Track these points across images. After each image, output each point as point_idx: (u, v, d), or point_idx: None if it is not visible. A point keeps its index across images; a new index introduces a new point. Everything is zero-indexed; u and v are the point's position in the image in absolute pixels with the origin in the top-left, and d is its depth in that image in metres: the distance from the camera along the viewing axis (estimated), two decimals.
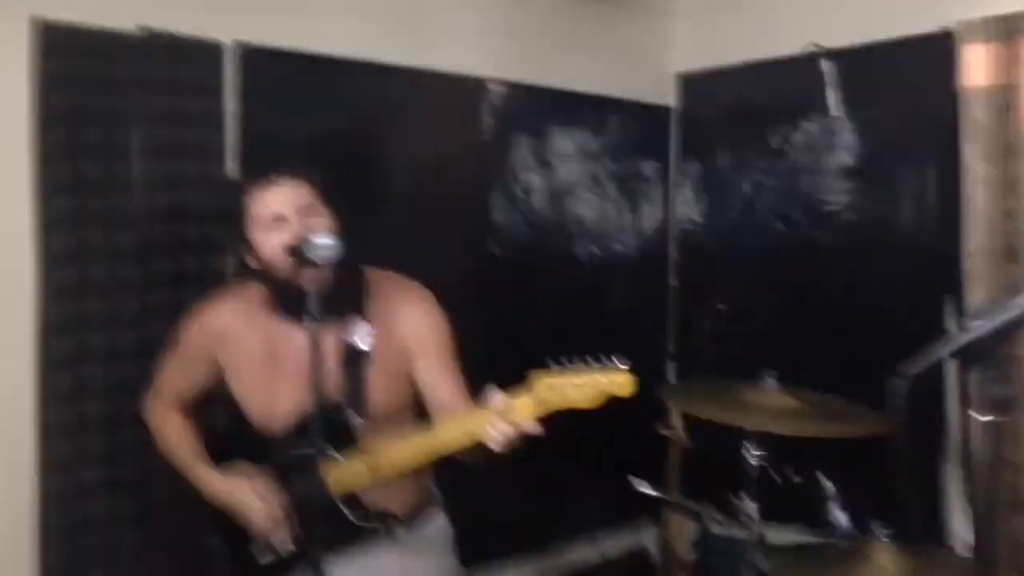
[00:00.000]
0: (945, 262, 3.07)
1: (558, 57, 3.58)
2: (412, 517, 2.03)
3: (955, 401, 3.09)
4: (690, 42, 3.91)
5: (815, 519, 2.61)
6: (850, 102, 3.35)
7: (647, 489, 2.23)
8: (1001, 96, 2.95)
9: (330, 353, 1.85)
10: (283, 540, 1.93)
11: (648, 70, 3.89)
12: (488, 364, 3.20)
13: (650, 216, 3.94)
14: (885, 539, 2.25)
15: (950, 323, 3.10)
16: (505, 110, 3.43)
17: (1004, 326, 0.84)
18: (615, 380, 1.63)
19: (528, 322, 3.41)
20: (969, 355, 0.85)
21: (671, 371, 3.89)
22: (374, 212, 2.93)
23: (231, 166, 2.71)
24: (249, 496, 1.93)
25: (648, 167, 3.91)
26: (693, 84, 3.90)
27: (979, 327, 0.84)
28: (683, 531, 3.45)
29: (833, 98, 2.79)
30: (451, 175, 3.31)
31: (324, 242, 1.68)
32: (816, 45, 3.07)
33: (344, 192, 2.53)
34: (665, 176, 3.97)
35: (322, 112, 2.90)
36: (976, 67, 2.98)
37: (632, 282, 3.86)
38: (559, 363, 1.67)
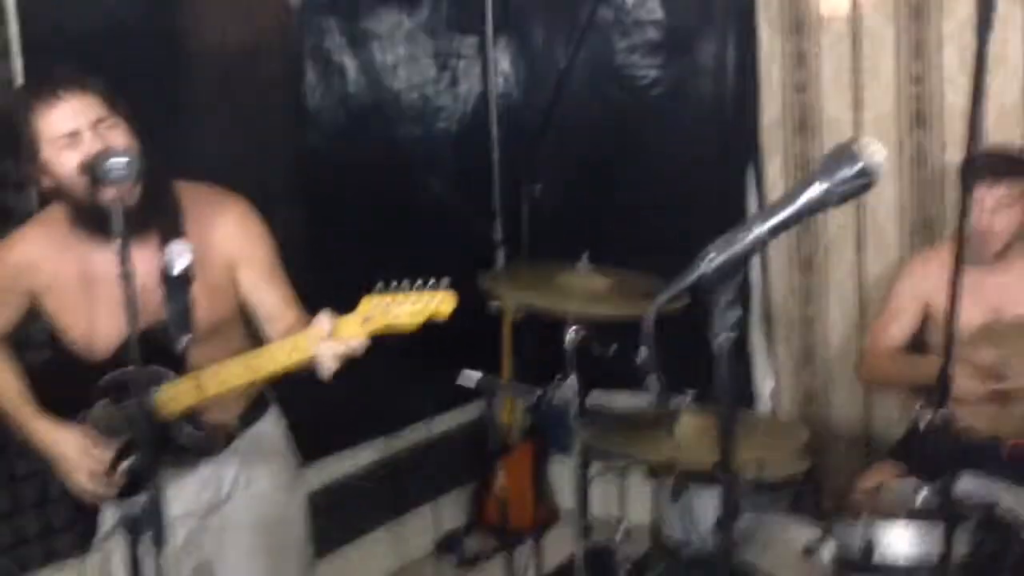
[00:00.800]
0: (745, 134, 3.24)
1: None
2: (245, 417, 2.06)
3: (759, 268, 3.33)
4: None
5: (637, 387, 2.80)
6: None
7: (475, 380, 2.32)
8: None
9: (147, 273, 1.81)
10: (102, 494, 1.92)
11: None
12: (313, 264, 3.21)
13: (470, 94, 3.92)
14: (688, 403, 2.45)
15: (751, 199, 3.30)
16: None
17: (737, 257, 0.93)
18: (437, 299, 1.69)
19: (352, 215, 3.37)
20: (705, 287, 0.94)
21: (501, 256, 3.96)
22: (178, 114, 2.81)
23: (16, 66, 2.51)
24: (72, 450, 1.91)
25: (465, 43, 3.87)
26: None
27: (714, 260, 0.93)
28: (517, 402, 3.64)
29: None
30: (258, 64, 3.16)
31: (117, 159, 1.62)
32: None
33: (142, 96, 2.40)
34: (483, 52, 3.94)
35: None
36: None
37: (456, 165, 3.86)
38: (387, 285, 1.71)
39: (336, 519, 3.47)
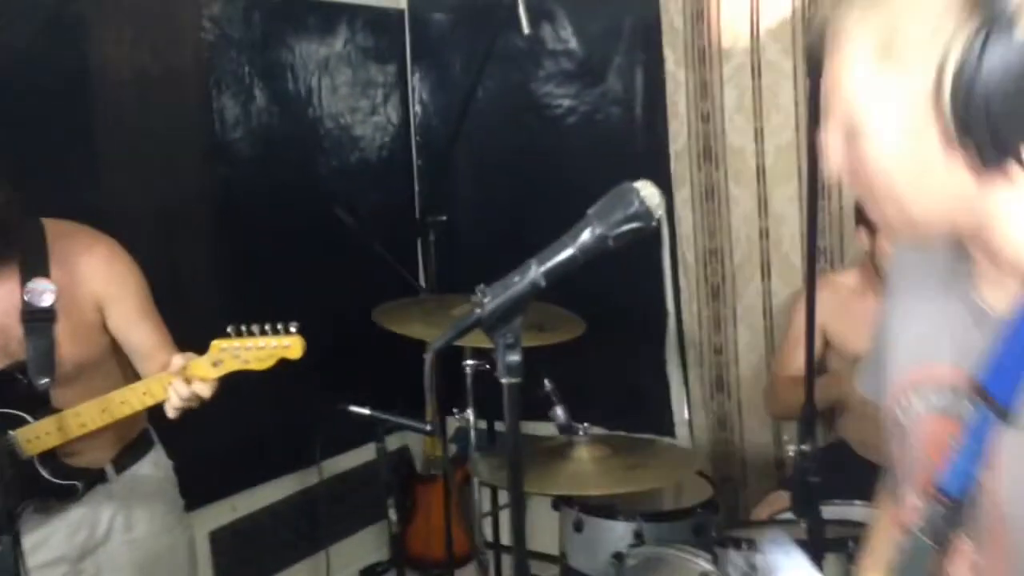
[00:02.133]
0: (656, 163, 3.27)
1: None
2: (123, 458, 2.05)
3: (671, 294, 3.35)
4: None
5: (542, 417, 2.80)
6: (566, 7, 3.44)
7: (365, 411, 2.31)
8: (694, 4, 3.11)
9: (6, 311, 1.80)
10: None
11: None
12: (221, 293, 3.17)
13: (389, 123, 3.93)
14: (584, 432, 2.46)
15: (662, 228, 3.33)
16: (223, 20, 3.28)
17: (512, 301, 0.93)
18: (286, 344, 1.72)
19: (265, 245, 3.35)
20: (486, 327, 0.94)
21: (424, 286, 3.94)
22: (85, 146, 2.78)
23: None
24: None
25: (383, 71, 3.88)
26: None
27: (489, 302, 0.93)
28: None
29: (523, 16, 2.85)
30: (164, 96, 3.15)
31: None
32: None
33: (12, 126, 2.36)
34: (402, 81, 3.95)
35: None
36: None
37: (377, 194, 3.86)
38: (238, 329, 1.73)
39: (255, 553, 3.44)
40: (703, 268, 3.24)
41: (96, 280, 1.92)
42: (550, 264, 0.98)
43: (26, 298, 1.83)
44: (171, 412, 1.78)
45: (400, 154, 3.96)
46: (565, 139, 3.54)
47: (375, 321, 2.63)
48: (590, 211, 0.99)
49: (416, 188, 4.00)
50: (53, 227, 1.93)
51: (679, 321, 3.35)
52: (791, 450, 1.75)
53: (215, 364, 1.74)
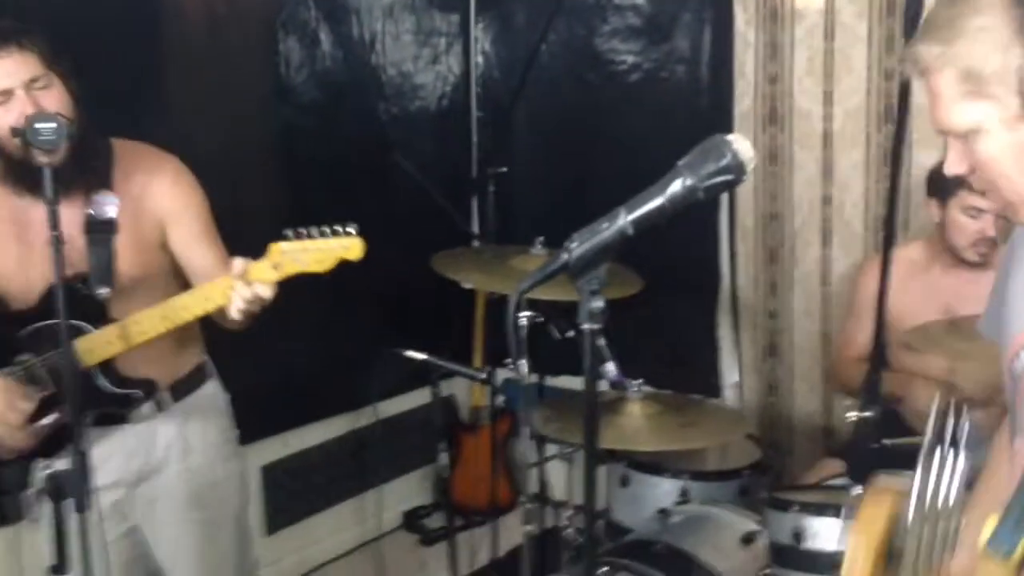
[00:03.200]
0: (719, 124, 3.23)
1: None
2: (181, 386, 2.09)
3: (726, 256, 3.33)
4: None
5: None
6: None
7: (421, 356, 2.34)
8: None
9: (71, 223, 1.83)
10: (23, 448, 1.91)
11: None
12: (278, 232, 3.22)
13: (450, 73, 3.92)
14: (637, 388, 2.47)
15: None
16: None
17: (599, 247, 0.94)
18: (345, 244, 1.72)
19: (325, 189, 3.38)
20: (568, 273, 0.95)
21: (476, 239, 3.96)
22: (151, 79, 2.82)
23: None
24: None
25: (447, 21, 3.86)
26: None
27: (575, 250, 0.94)
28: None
29: None
30: (232, 33, 3.17)
31: (47, 126, 1.65)
32: None
33: (91, 57, 2.40)
34: (464, 30, 3.93)
35: None
36: None
37: (434, 144, 3.86)
38: (297, 231, 1.74)
39: (302, 491, 3.51)
40: (762, 232, 3.21)
41: (160, 198, 1.97)
42: (639, 213, 0.99)
43: (90, 210, 1.88)
44: (235, 314, 1.78)
45: (460, 105, 3.95)
46: (628, 96, 3.50)
47: (432, 268, 2.65)
48: (681, 162, 0.99)
49: (475, 140, 3.99)
50: (121, 146, 1.97)
51: (733, 284, 3.33)
52: (852, 415, 1.75)
53: (275, 267, 1.74)
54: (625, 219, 0.99)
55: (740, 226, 3.25)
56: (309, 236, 1.74)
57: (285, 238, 1.75)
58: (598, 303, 1.00)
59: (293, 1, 3.31)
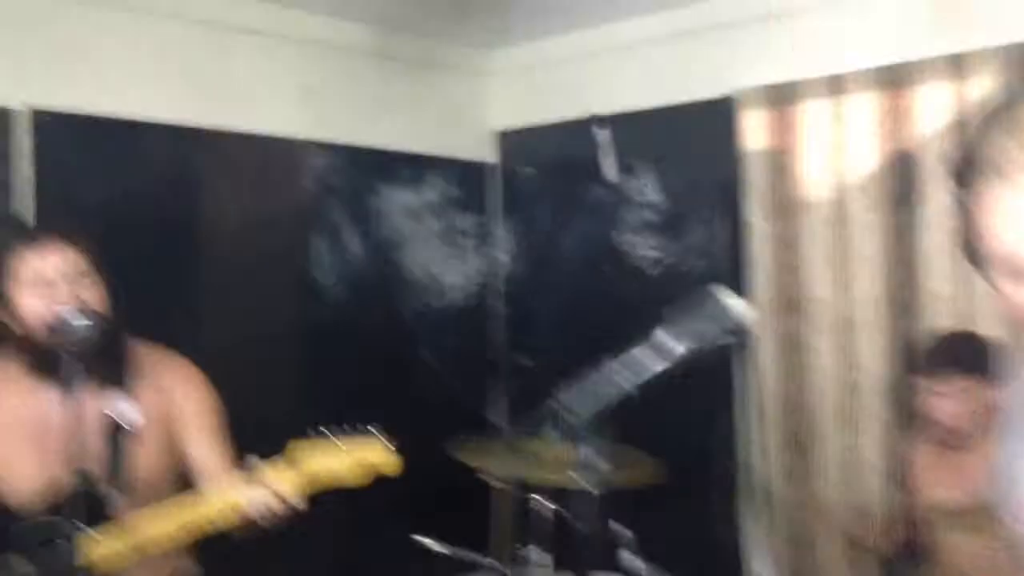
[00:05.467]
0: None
1: (377, 117, 3.66)
2: None
3: (748, 441, 3.29)
4: (508, 101, 4.04)
5: (613, 566, 2.73)
6: (648, 162, 3.55)
7: (433, 545, 2.29)
8: (776, 159, 3.19)
9: (90, 425, 1.83)
10: None
11: (467, 128, 4.02)
12: (306, 423, 3.23)
13: (472, 272, 4.04)
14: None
15: (735, 369, 3.31)
16: (324, 171, 3.49)
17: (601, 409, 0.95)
18: (380, 456, 1.70)
19: (350, 381, 3.43)
20: (572, 434, 0.95)
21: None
22: (178, 280, 2.94)
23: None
24: None
25: (469, 222, 4.02)
26: (511, 141, 4.04)
27: (576, 407, 0.95)
28: None
29: (607, 164, 2.96)
30: (266, 238, 3.33)
31: (80, 323, 1.71)
32: (593, 114, 3.29)
33: (136, 260, 2.52)
34: (486, 231, 4.08)
35: (120, 176, 2.88)
36: (754, 131, 3.21)
37: (455, 338, 3.93)
38: (319, 431, 1.73)
39: None
40: (785, 419, 3.18)
41: (178, 402, 2.00)
42: (643, 377, 1.00)
43: (109, 413, 1.89)
44: (257, 519, 1.75)
45: (484, 300, 4.05)
46: (648, 289, 3.58)
47: (450, 458, 2.63)
48: (677, 325, 1.01)
49: (499, 333, 4.06)
50: (143, 348, 2.02)
51: (761, 475, 3.26)
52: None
53: (300, 473, 1.74)
54: (626, 382, 1.00)
55: (764, 413, 3.22)
56: (334, 440, 1.73)
57: (308, 440, 1.75)
58: (603, 466, 0.99)
59: (324, 206, 3.48)
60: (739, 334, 0.97)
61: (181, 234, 3.08)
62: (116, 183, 2.88)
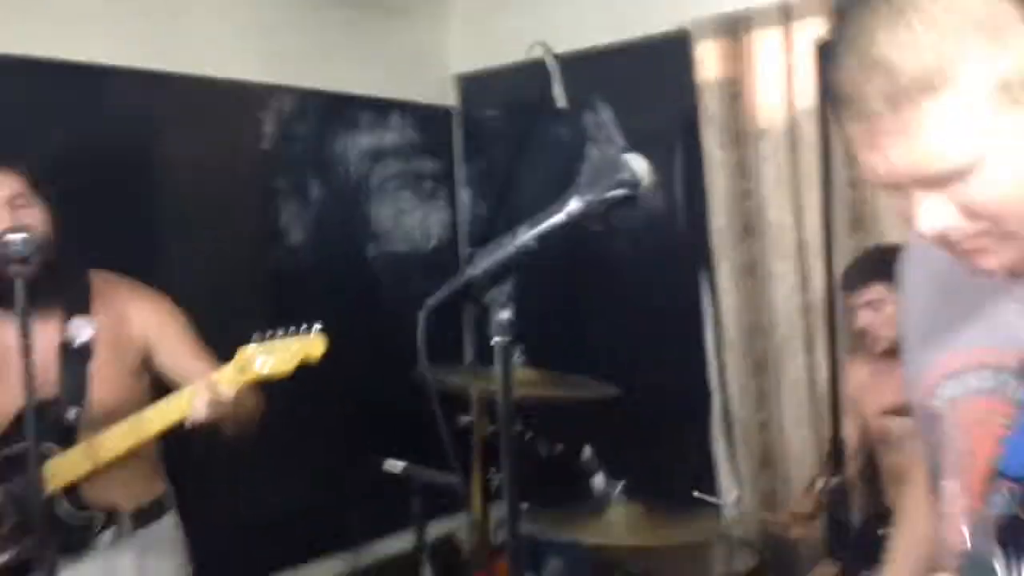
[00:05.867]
0: (696, 241, 3.34)
1: (337, 62, 3.67)
2: (142, 514, 2.08)
3: (715, 366, 3.36)
4: (467, 44, 4.05)
5: (577, 481, 2.79)
6: (606, 98, 3.58)
7: (399, 468, 2.35)
8: (731, 88, 3.22)
9: (47, 348, 1.89)
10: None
11: (427, 72, 4.03)
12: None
13: (439, 215, 4.08)
14: (619, 493, 2.45)
15: (703, 296, 3.37)
16: (284, 115, 3.50)
17: (503, 262, 1.00)
18: (308, 344, 1.76)
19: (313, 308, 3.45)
20: (473, 289, 1.00)
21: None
22: (136, 220, 2.96)
23: None
24: None
25: (432, 167, 4.05)
26: (471, 84, 4.05)
27: (479, 264, 1.00)
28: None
29: (559, 92, 3.00)
30: (229, 184, 3.34)
31: (13, 237, 1.71)
32: (543, 45, 3.32)
33: (91, 199, 2.54)
34: (450, 175, 4.11)
35: (72, 120, 2.88)
36: (708, 62, 3.24)
37: (427, 283, 3.96)
38: (263, 334, 1.79)
39: None
40: (746, 341, 3.25)
41: (143, 323, 2.05)
42: (540, 228, 1.04)
43: (65, 335, 1.94)
44: (197, 416, 1.80)
45: (448, 242, 4.09)
46: (609, 224, 3.61)
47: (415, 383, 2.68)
48: (579, 179, 1.06)
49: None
50: (99, 277, 2.07)
51: (724, 398, 3.34)
52: (819, 485, 1.74)
53: (241, 369, 1.81)
54: (527, 234, 1.05)
55: (725, 338, 3.29)
56: (275, 337, 1.80)
57: (252, 341, 1.81)
58: (506, 314, 1.04)
59: (284, 149, 3.50)
60: (634, 188, 1.00)
61: (140, 175, 3.08)
62: (70, 126, 2.87)
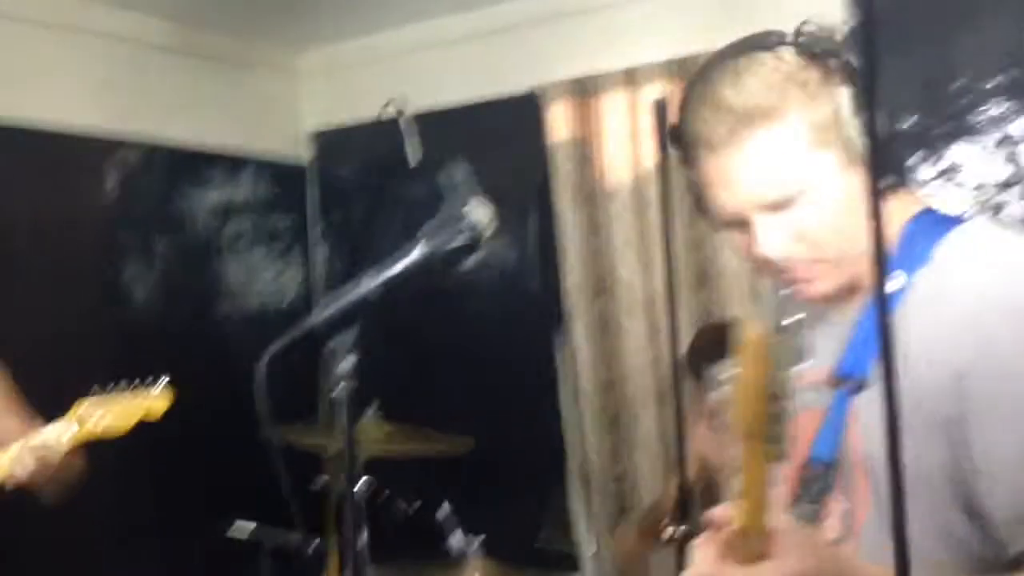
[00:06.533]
0: (549, 299, 3.39)
1: (186, 115, 3.58)
2: None
3: (572, 419, 3.39)
4: (321, 100, 4.03)
5: (435, 539, 2.74)
6: (460, 158, 3.62)
7: (247, 532, 2.26)
8: (580, 149, 3.32)
9: None
10: None
11: (280, 127, 3.98)
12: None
13: (293, 272, 4.00)
14: (477, 552, 2.43)
15: (557, 352, 3.42)
16: (128, 170, 3.38)
17: (345, 309, 0.99)
18: (150, 400, 1.71)
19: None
20: (317, 338, 0.99)
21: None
22: None
23: None
24: None
25: (285, 224, 3.98)
26: (326, 141, 4.03)
27: (322, 312, 0.99)
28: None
29: (412, 150, 3.03)
30: (67, 239, 3.20)
31: None
32: (396, 103, 3.37)
33: None
34: (303, 233, 4.05)
35: None
36: (559, 123, 3.34)
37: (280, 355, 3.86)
38: (104, 387, 1.72)
39: None
40: (601, 398, 3.30)
41: None
42: (384, 276, 1.04)
43: None
44: (20, 471, 1.73)
45: (303, 299, 4.01)
46: (462, 280, 3.62)
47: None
48: (423, 228, 1.06)
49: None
50: None
51: (582, 454, 3.37)
52: (671, 533, 1.77)
53: (78, 421, 1.72)
54: (368, 285, 1.04)
55: (581, 392, 3.33)
56: (114, 391, 1.73)
57: (91, 393, 1.74)
58: (348, 363, 1.03)
59: (129, 206, 3.37)
60: (474, 237, 1.02)
61: None
62: None
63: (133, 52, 3.41)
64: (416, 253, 1.04)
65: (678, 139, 1.19)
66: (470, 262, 3.34)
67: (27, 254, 3.06)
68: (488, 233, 1.05)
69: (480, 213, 1.05)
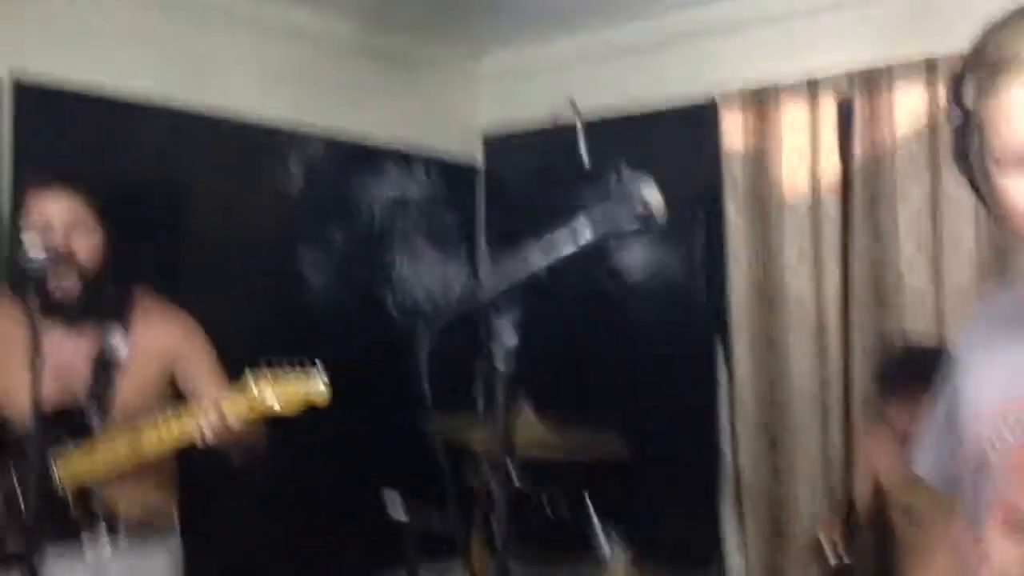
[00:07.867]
0: (713, 311, 3.32)
1: (365, 112, 3.72)
2: (142, 528, 2.11)
3: (727, 433, 3.31)
4: (494, 103, 4.10)
5: (580, 542, 2.73)
6: (631, 165, 3.58)
7: (398, 503, 2.34)
8: (755, 160, 3.24)
9: (83, 358, 2.04)
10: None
11: (455, 127, 4.07)
12: None
13: (458, 271, 4.07)
14: (622, 558, 2.40)
15: (718, 363, 3.35)
16: (311, 161, 3.54)
17: (513, 285, 0.99)
18: (313, 390, 1.81)
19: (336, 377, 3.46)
20: (483, 311, 1.00)
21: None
22: (169, 249, 3.03)
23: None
24: None
25: (455, 221, 4.05)
26: (498, 143, 4.09)
27: (491, 286, 0.99)
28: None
29: (584, 152, 3.03)
30: (254, 227, 3.38)
31: (33, 258, 1.82)
32: (572, 104, 3.37)
33: (132, 222, 2.59)
34: (472, 231, 4.12)
35: (110, 151, 2.93)
36: (734, 133, 3.27)
37: (445, 339, 3.94)
38: (270, 363, 1.82)
39: None
40: (761, 414, 3.20)
41: (171, 342, 2.16)
42: (552, 258, 1.04)
43: (102, 348, 2.06)
44: (202, 440, 1.89)
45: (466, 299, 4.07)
46: (629, 288, 3.59)
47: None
48: (593, 211, 1.05)
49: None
50: (142, 294, 2.19)
51: (735, 467, 3.28)
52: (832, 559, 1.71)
53: (249, 403, 1.88)
54: (537, 262, 1.04)
55: (740, 408, 3.24)
56: (278, 369, 1.84)
57: (260, 372, 1.86)
58: (512, 342, 1.03)
59: (309, 195, 3.53)
60: (648, 221, 1.00)
61: (167, 211, 3.13)
62: (121, 156, 2.93)
63: (316, 49, 3.57)
64: (588, 234, 1.03)
65: (964, 71, 1.05)
66: (637, 258, 3.33)
67: (220, 234, 3.26)
68: (660, 218, 1.03)
69: (654, 195, 1.03)
